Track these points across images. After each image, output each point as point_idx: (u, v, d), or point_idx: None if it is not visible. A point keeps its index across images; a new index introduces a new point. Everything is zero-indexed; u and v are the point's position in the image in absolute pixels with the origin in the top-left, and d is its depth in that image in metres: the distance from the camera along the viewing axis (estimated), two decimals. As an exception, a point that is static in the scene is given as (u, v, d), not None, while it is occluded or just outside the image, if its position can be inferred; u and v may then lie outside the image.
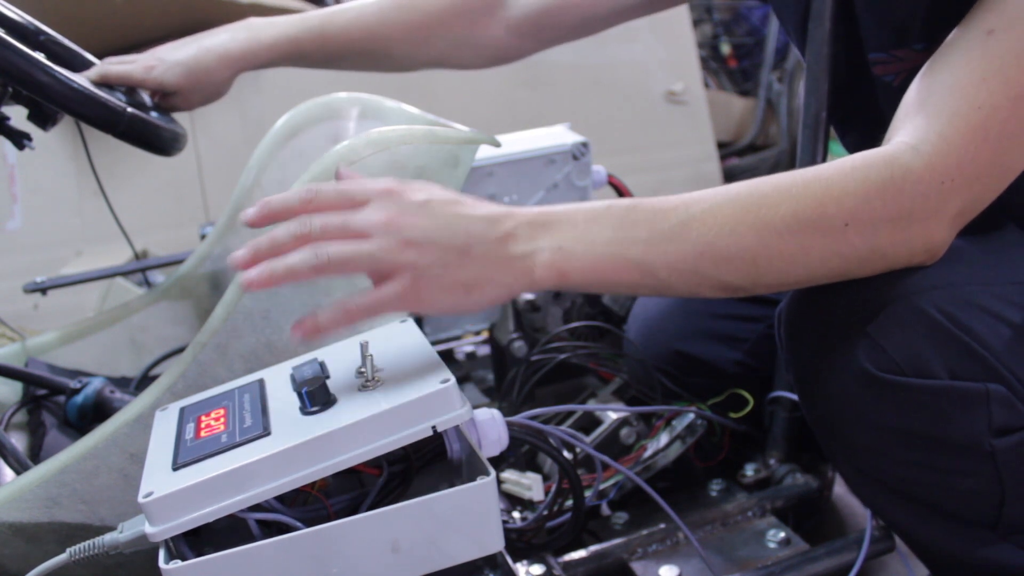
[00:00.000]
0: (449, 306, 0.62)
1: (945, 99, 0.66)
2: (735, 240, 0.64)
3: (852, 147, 0.93)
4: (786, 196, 0.65)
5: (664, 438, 0.96)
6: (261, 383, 0.67)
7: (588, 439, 0.95)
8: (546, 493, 0.88)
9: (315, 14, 1.05)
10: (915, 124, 0.67)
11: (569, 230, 0.64)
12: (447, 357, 1.35)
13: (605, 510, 0.94)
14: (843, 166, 0.66)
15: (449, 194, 0.64)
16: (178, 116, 1.04)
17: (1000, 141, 0.65)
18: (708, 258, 0.65)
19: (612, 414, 0.96)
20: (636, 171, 2.08)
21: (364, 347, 0.62)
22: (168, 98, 1.01)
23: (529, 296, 1.09)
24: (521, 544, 0.86)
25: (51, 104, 0.81)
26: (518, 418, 0.76)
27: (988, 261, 0.72)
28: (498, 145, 0.87)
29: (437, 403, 0.59)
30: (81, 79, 0.84)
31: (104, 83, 0.94)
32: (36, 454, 0.89)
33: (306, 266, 0.59)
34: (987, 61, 0.65)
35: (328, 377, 0.64)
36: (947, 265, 0.69)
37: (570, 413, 0.99)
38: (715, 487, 1.00)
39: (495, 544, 0.61)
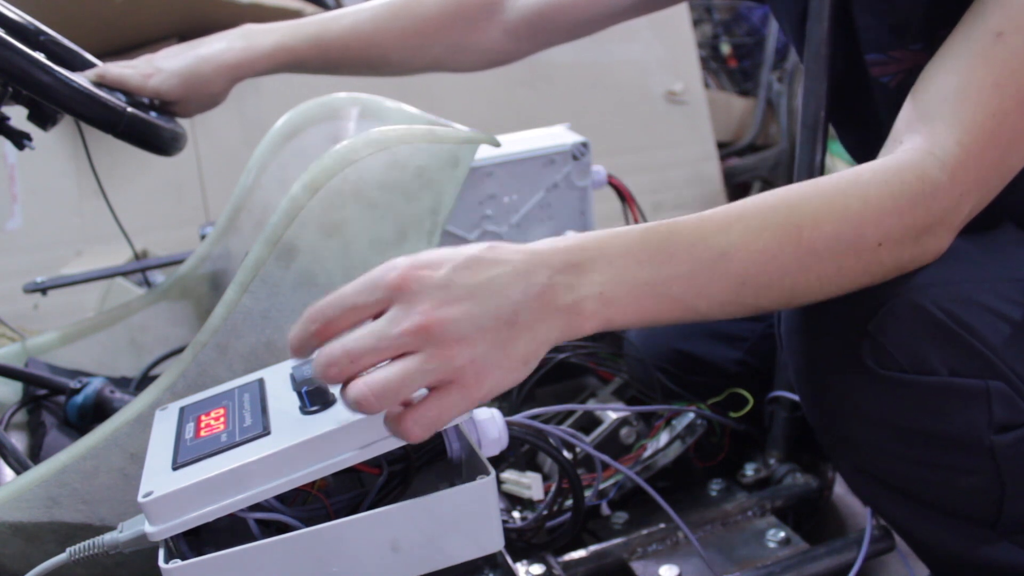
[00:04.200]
0: (511, 384, 0.55)
1: (960, 104, 0.66)
2: (777, 267, 0.62)
3: (852, 148, 0.94)
4: (827, 215, 0.63)
5: (664, 438, 0.96)
6: (261, 383, 0.67)
7: (588, 439, 0.95)
8: (546, 493, 0.88)
9: (311, 21, 1.05)
10: (933, 130, 0.66)
11: (606, 270, 0.58)
12: (447, 357, 1.34)
13: (605, 510, 0.94)
14: (879, 180, 0.64)
15: (462, 255, 0.56)
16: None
17: (1008, 146, 0.66)
18: (750, 287, 0.62)
19: (612, 414, 0.96)
20: (636, 171, 2.08)
21: (364, 347, 0.62)
22: (166, 106, 1.01)
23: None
24: (521, 544, 0.86)
25: (51, 104, 0.81)
26: (518, 418, 0.76)
27: (986, 259, 0.72)
28: (498, 145, 0.87)
29: (437, 402, 0.59)
30: (81, 79, 0.84)
31: (102, 84, 0.95)
32: (36, 454, 0.89)
33: (357, 411, 0.53)
34: (999, 65, 0.65)
35: (328, 377, 0.64)
36: (946, 263, 0.69)
37: (570, 413, 0.99)
38: (715, 487, 1.00)
39: (495, 544, 0.61)
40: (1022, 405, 0.68)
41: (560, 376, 1.07)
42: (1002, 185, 0.68)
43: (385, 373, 0.52)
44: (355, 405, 0.52)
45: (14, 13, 0.90)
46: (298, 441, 0.56)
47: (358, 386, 0.52)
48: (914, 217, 0.64)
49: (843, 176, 0.65)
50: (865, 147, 0.68)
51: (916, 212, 0.64)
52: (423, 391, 0.54)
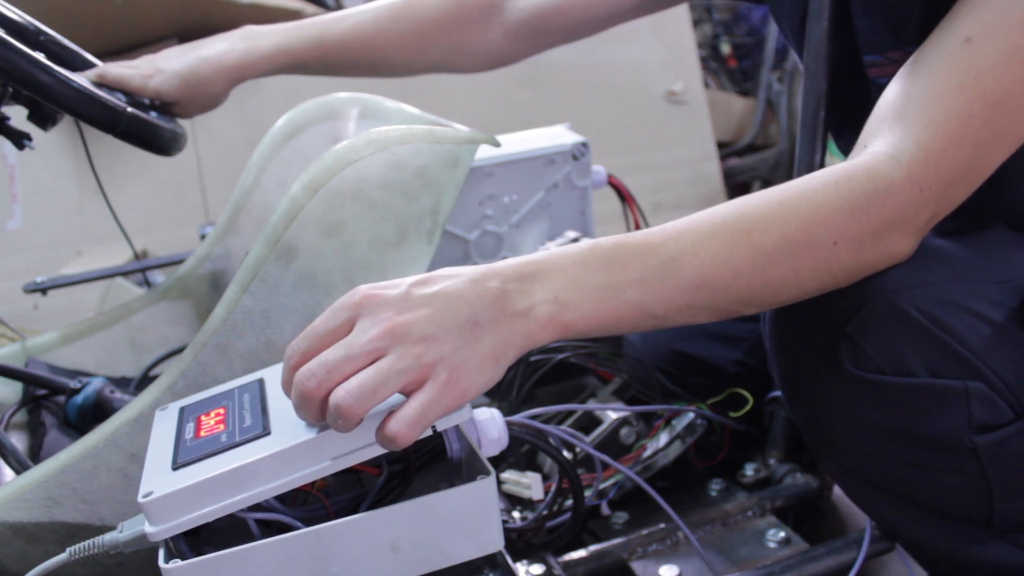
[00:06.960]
0: (486, 383, 0.57)
1: (923, 106, 0.66)
2: (730, 269, 0.63)
3: (846, 149, 0.94)
4: (775, 219, 0.64)
5: (664, 438, 0.96)
6: (261, 383, 0.67)
7: (588, 439, 0.95)
8: (546, 493, 0.88)
9: (312, 23, 1.05)
10: (893, 132, 0.67)
11: (559, 278, 0.60)
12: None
13: (605, 510, 0.94)
14: (826, 181, 0.65)
15: (418, 276, 0.60)
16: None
17: (974, 148, 0.65)
18: (705, 289, 0.63)
19: (612, 414, 0.96)
20: (636, 171, 2.08)
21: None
22: (166, 107, 1.01)
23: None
24: (521, 544, 0.86)
25: (51, 104, 0.81)
26: (518, 418, 0.76)
27: (971, 261, 0.72)
28: (498, 145, 0.87)
29: (437, 403, 0.58)
30: (81, 79, 0.84)
31: (102, 84, 0.95)
32: (36, 454, 0.89)
33: (342, 423, 0.54)
34: (964, 69, 0.65)
35: (328, 377, 0.64)
36: (926, 264, 0.69)
37: (570, 413, 0.99)
38: (715, 487, 1.00)
39: (495, 543, 0.61)
40: (1002, 406, 0.68)
41: (560, 376, 1.07)
42: (973, 188, 0.67)
43: (360, 375, 0.54)
44: (337, 410, 0.53)
45: (14, 13, 0.90)
46: (298, 441, 0.56)
47: (338, 393, 0.53)
48: (868, 216, 0.64)
49: (794, 182, 0.66)
50: None
51: (871, 211, 0.64)
52: (401, 397, 0.55)
